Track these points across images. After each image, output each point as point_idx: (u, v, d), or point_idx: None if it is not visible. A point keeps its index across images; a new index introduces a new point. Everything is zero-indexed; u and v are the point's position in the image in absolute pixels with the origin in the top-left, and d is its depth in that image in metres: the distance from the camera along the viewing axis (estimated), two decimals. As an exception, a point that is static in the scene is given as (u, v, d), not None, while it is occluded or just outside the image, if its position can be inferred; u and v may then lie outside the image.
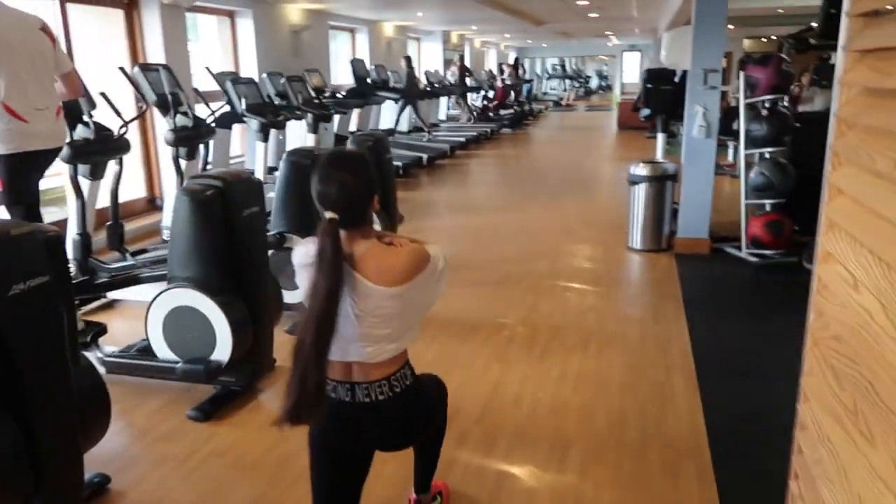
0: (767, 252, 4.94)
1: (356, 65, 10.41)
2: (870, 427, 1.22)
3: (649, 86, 5.96)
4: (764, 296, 4.48)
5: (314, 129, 6.58)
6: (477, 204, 7.66)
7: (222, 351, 2.92)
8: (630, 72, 26.61)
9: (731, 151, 8.88)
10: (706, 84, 5.12)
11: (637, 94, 6.73)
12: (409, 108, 12.24)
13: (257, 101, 5.89)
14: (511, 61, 19.52)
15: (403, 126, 12.76)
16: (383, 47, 13.28)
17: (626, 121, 15.16)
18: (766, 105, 4.98)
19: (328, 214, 1.59)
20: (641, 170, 5.39)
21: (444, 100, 15.58)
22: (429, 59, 16.53)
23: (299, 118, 6.32)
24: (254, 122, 5.77)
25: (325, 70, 10.51)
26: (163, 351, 3.05)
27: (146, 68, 4.80)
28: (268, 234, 3.73)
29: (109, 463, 2.57)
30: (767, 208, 5.01)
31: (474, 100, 17.07)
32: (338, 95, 9.61)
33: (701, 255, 5.26)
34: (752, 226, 5.00)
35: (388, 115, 12.34)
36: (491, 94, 16.86)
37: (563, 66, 29.94)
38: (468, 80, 15.93)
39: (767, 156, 5.02)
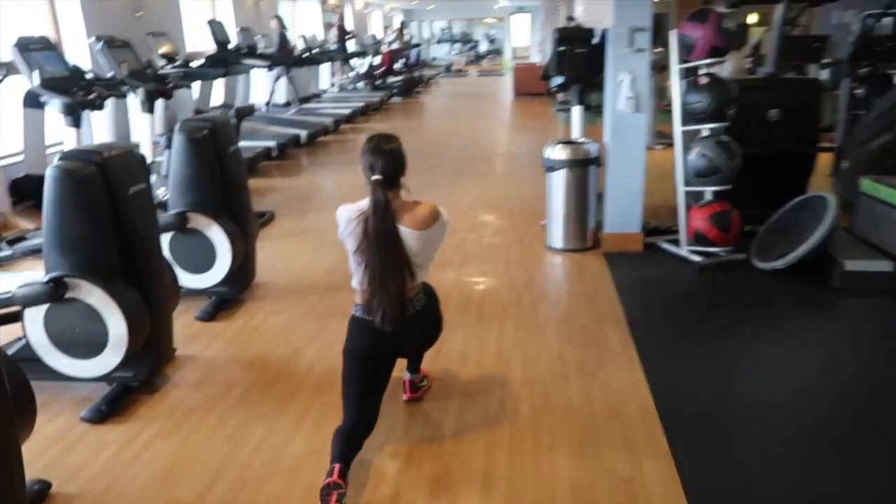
0: (712, 249, 4.14)
1: (215, 28, 8.82)
2: None
3: (561, 48, 4.97)
4: (723, 309, 3.64)
5: (148, 107, 5.16)
6: (366, 190, 6.48)
7: (116, 346, 2.59)
8: (520, 35, 25.90)
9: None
10: (633, 46, 4.19)
11: (544, 60, 5.69)
12: (284, 78, 10.81)
13: (59, 74, 4.42)
14: (396, 25, 18.17)
15: (280, 98, 11.28)
16: (251, 8, 11.62)
17: (522, 86, 14.35)
18: (705, 71, 4.12)
19: (375, 177, 2.17)
20: (559, 153, 4.43)
21: (324, 67, 14.14)
22: (306, 23, 14.92)
23: (121, 95, 4.87)
24: (55, 102, 4.32)
25: (178, 34, 8.87)
26: (46, 351, 2.64)
27: None
28: (168, 213, 3.45)
29: None
30: (708, 196, 4.20)
31: (359, 66, 15.69)
32: (192, 64, 8.08)
33: (634, 254, 4.40)
34: (694, 218, 4.16)
35: (261, 85, 10.86)
36: (377, 60, 15.52)
37: (451, 30, 28.83)
38: (350, 44, 14.56)
39: (705, 132, 4.18)
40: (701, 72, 4.16)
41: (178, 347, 3.18)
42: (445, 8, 24.90)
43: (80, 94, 4.44)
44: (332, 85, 14.70)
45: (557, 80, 5.24)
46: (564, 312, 3.58)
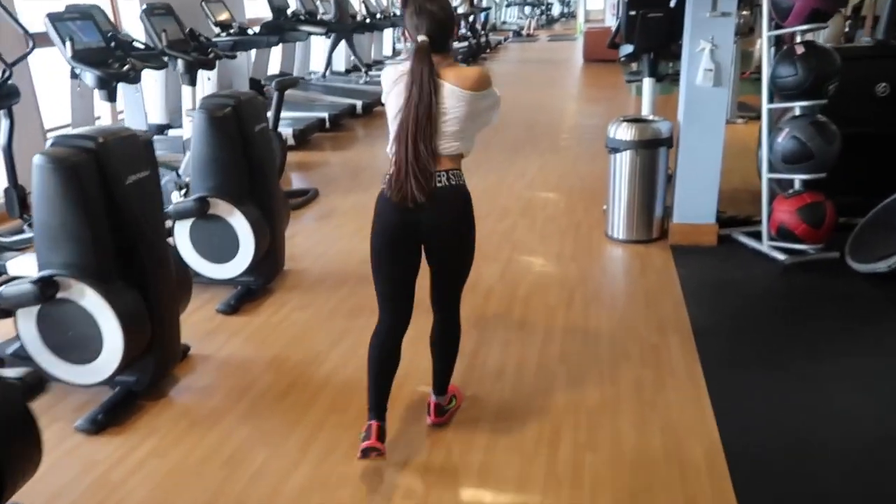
0: (800, 246, 3.59)
1: (271, -8, 8.57)
2: None
3: (632, 13, 4.40)
4: (811, 321, 3.12)
5: (190, 79, 4.92)
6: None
7: (111, 352, 2.35)
8: (594, -3, 24.69)
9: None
10: (716, 10, 3.63)
11: (615, 23, 5.13)
12: (343, 44, 10.49)
13: (94, 45, 4.22)
14: (465, -13, 17.48)
15: (340, 66, 11.00)
16: (311, -29, 11.29)
17: (592, 52, 13.56)
18: (801, 39, 3.53)
19: (421, 37, 1.95)
20: (624, 132, 3.94)
21: (388, 32, 13.74)
22: (370, -14, 14.48)
23: (159, 67, 4.64)
24: (88, 76, 4.12)
25: (237, 1, 8.67)
26: (40, 354, 2.42)
27: None
28: (187, 199, 3.22)
29: None
30: (797, 185, 3.63)
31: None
32: (249, 32, 7.87)
33: (706, 248, 3.89)
34: (779, 210, 3.62)
35: (321, 52, 10.60)
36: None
37: (523, -8, 27.75)
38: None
39: (798, 111, 3.60)
40: (796, 39, 3.57)
41: (194, 344, 2.96)
42: (517, -32, 23.94)
43: (115, 66, 4.23)
44: (395, 51, 14.30)
45: (626, 48, 4.68)
46: (621, 318, 3.15)
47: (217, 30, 7.54)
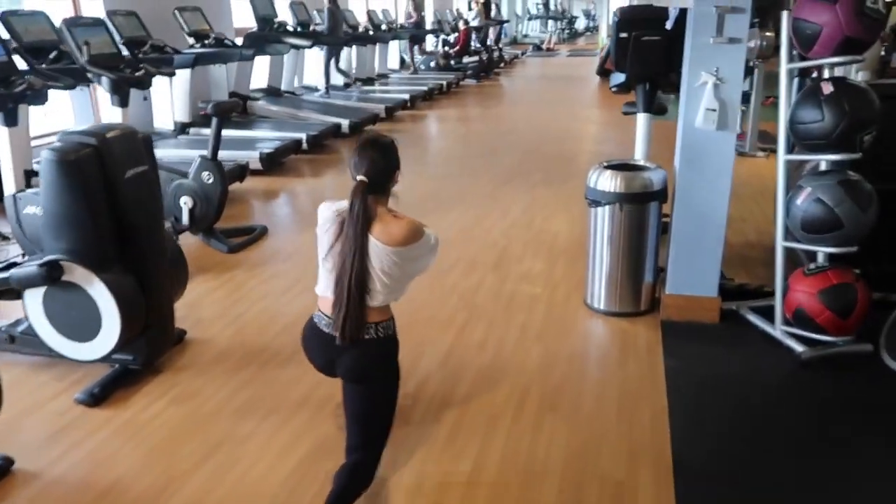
0: (823, 337, 2.82)
1: (256, 2, 8.00)
2: None
3: (623, 35, 3.64)
4: (838, 445, 2.37)
5: (121, 100, 4.30)
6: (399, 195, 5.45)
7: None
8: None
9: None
10: (721, 34, 2.90)
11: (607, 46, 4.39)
12: (347, 55, 9.93)
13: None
14: (481, -1, 16.84)
15: (337, 79, 10.38)
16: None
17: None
18: (830, 75, 2.79)
19: (360, 177, 1.95)
20: (606, 182, 3.21)
21: (393, 45, 13.12)
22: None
23: (67, 86, 3.99)
24: (-26, 97, 3.52)
25: (222, 9, 8.12)
26: None
27: None
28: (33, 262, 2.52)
29: None
30: (821, 258, 2.88)
31: (434, 45, 14.61)
32: (226, 43, 7.32)
33: (705, 328, 3.15)
34: (797, 290, 2.86)
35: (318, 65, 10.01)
36: (453, 37, 14.39)
37: (546, 6, 27.09)
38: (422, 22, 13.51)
39: (824, 166, 2.85)
40: (823, 74, 2.83)
41: (28, 451, 2.33)
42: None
43: (19, 82, 3.63)
44: (404, 65, 13.69)
45: (617, 76, 3.95)
46: (581, 437, 2.41)
47: (191, 40, 7.01)
